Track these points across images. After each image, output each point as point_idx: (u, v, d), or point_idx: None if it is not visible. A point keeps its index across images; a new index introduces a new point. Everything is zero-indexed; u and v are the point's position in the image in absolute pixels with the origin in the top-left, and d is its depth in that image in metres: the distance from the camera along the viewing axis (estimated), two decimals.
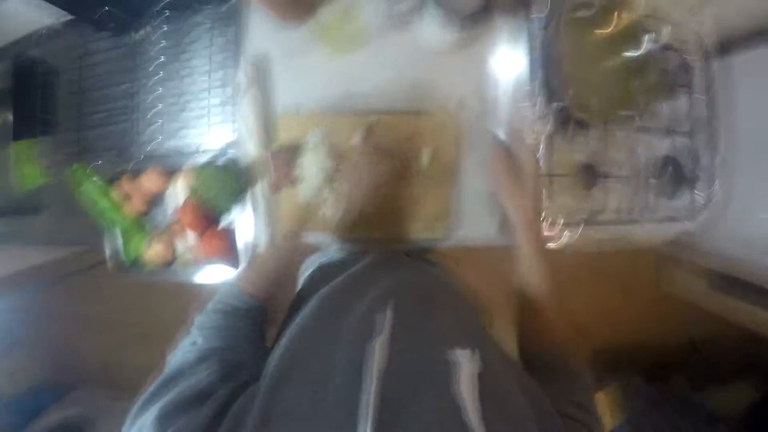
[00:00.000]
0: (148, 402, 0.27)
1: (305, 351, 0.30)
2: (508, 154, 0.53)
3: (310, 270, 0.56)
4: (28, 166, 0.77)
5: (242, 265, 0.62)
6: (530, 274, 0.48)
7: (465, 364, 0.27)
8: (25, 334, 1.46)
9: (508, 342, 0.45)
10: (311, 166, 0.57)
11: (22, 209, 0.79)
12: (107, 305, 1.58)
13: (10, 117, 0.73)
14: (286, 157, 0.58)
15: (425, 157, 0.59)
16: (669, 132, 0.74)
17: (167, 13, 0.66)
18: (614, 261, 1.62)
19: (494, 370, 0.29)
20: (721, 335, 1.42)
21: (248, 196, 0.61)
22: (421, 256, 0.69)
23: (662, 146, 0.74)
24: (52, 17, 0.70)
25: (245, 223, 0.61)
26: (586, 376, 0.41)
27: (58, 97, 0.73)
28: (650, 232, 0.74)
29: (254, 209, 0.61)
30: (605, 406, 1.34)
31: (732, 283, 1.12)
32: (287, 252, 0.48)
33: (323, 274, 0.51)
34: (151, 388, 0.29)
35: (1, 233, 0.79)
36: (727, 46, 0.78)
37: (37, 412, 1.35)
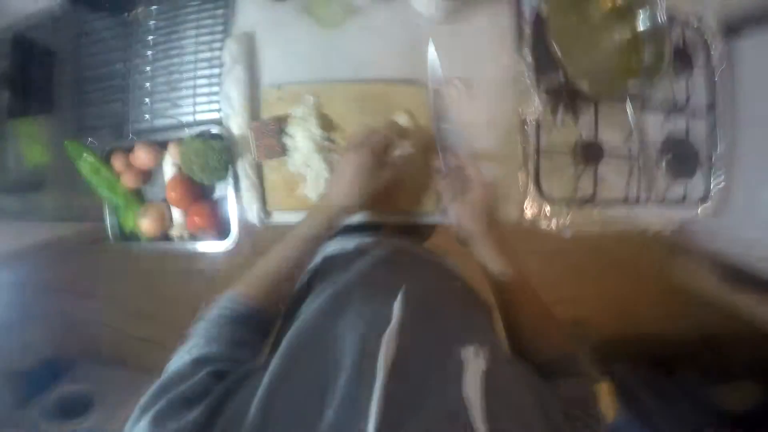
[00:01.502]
0: (144, 410, 0.27)
1: (310, 347, 0.29)
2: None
3: (314, 262, 0.55)
4: (29, 145, 0.79)
5: (233, 238, 0.62)
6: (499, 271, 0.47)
7: (471, 362, 0.27)
8: (36, 308, 1.52)
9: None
10: (299, 137, 0.57)
11: (25, 186, 0.81)
12: (113, 280, 1.62)
13: (7, 97, 0.75)
14: (273, 128, 0.58)
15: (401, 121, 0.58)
16: (682, 111, 0.70)
17: None
18: (623, 249, 1.58)
19: (500, 368, 0.28)
20: (732, 330, 1.37)
21: (234, 170, 0.61)
22: (423, 237, 0.67)
23: (674, 126, 0.70)
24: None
25: (233, 196, 0.62)
26: (581, 371, 0.41)
27: (55, 78, 0.74)
28: (656, 215, 0.71)
29: (241, 182, 0.61)
30: (610, 396, 1.32)
31: (744, 276, 1.07)
32: (291, 252, 0.46)
33: (328, 266, 0.50)
34: (147, 394, 0.29)
35: (7, 210, 0.82)
36: (733, 27, 0.73)
37: (49, 383, 1.41)
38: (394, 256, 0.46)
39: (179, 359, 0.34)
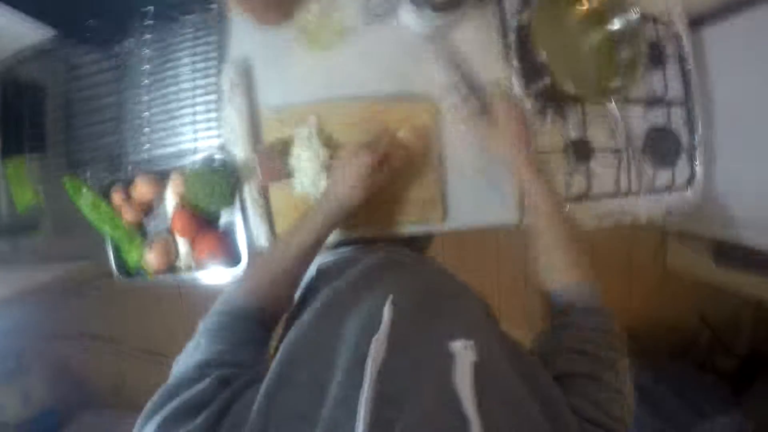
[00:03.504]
0: (150, 415, 0.27)
1: (307, 352, 0.30)
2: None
3: (309, 275, 0.56)
4: (21, 185, 0.77)
5: (244, 265, 0.62)
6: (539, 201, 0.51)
7: (460, 355, 0.28)
8: (34, 355, 1.47)
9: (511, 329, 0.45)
10: (304, 157, 0.58)
11: (20, 228, 0.79)
12: (113, 322, 1.58)
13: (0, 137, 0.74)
14: (276, 152, 0.59)
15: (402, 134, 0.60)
16: (661, 102, 0.74)
17: (151, 23, 0.67)
18: (616, 243, 1.60)
19: (492, 358, 0.29)
20: (731, 308, 1.41)
21: (239, 197, 0.61)
22: (419, 249, 0.69)
23: (655, 117, 0.74)
24: (37, 35, 0.71)
25: (241, 222, 0.62)
26: (595, 315, 0.42)
27: (46, 114, 0.74)
28: (647, 204, 0.74)
29: (247, 208, 0.61)
30: None
31: (736, 253, 1.11)
32: (287, 250, 0.47)
33: (322, 277, 0.51)
34: (154, 398, 0.29)
35: (2, 253, 0.79)
36: (698, 20, 0.79)
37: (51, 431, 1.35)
38: (385, 260, 0.47)
39: (185, 362, 0.34)
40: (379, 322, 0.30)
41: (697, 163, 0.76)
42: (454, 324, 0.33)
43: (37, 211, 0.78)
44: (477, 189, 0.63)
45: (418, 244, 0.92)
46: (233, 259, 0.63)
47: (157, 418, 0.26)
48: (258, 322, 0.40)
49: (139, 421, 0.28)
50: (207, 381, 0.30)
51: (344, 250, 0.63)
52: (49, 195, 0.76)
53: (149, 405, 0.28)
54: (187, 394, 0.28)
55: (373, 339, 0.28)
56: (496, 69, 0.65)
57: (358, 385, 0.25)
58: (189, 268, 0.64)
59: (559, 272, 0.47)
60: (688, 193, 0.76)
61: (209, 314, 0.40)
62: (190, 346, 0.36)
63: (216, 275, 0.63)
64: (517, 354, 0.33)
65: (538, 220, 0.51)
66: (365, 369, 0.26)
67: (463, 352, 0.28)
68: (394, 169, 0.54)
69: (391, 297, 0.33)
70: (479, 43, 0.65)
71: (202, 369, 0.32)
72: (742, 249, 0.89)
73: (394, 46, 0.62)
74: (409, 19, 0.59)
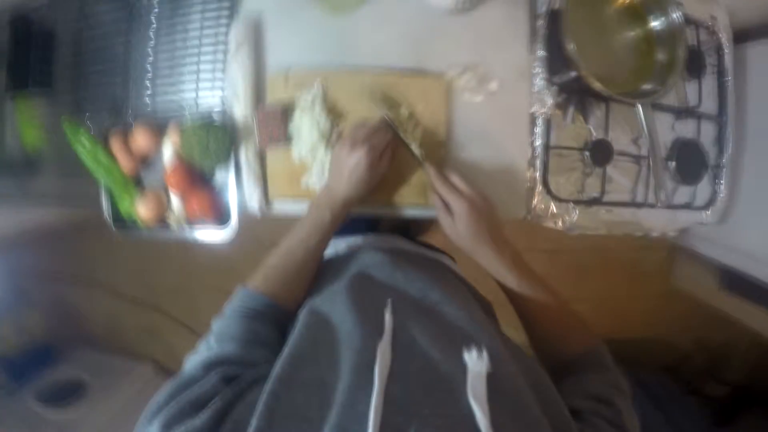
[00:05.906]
0: (154, 414, 0.27)
1: (312, 353, 0.30)
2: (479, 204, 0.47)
3: None
4: (27, 127, 0.77)
5: (233, 226, 0.61)
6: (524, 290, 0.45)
7: (474, 366, 0.27)
8: (32, 293, 1.52)
9: (512, 331, 0.43)
10: (305, 124, 0.56)
11: (26, 167, 0.79)
12: (110, 267, 1.62)
13: (5, 75, 0.73)
14: (277, 115, 0.56)
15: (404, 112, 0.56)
16: (692, 114, 0.69)
17: None
18: (624, 249, 1.58)
19: (503, 368, 0.29)
20: (726, 336, 1.38)
21: (235, 156, 0.59)
22: (422, 245, 0.67)
23: (684, 128, 0.70)
24: None
25: (234, 183, 0.60)
26: (606, 365, 0.40)
27: (54, 58, 0.72)
28: (661, 218, 0.70)
29: (243, 169, 0.59)
30: None
31: (745, 283, 1.07)
32: (297, 247, 0.47)
33: (321, 272, 0.50)
34: (158, 397, 0.29)
35: (3, 192, 0.79)
36: (744, 34, 0.73)
37: (43, 368, 1.42)
38: (386, 258, 0.46)
39: (195, 359, 0.34)
40: (382, 327, 0.30)
41: (722, 184, 0.72)
42: (463, 329, 0.32)
43: (44, 152, 0.78)
44: (482, 175, 0.60)
45: (420, 224, 0.89)
46: (223, 220, 0.61)
47: (161, 417, 0.26)
48: (271, 322, 0.40)
49: (142, 419, 0.27)
50: (210, 379, 0.29)
51: (341, 240, 0.62)
52: (53, 136, 0.76)
53: (153, 404, 0.28)
54: (189, 392, 0.28)
55: (378, 346, 0.28)
56: (519, 55, 0.61)
57: (366, 390, 0.24)
58: (180, 224, 0.63)
59: (560, 345, 0.44)
60: (706, 215, 0.72)
61: (222, 315, 0.40)
62: (202, 346, 0.36)
63: (206, 234, 0.62)
64: (522, 359, 0.32)
65: (521, 304, 0.46)
66: (374, 375, 0.25)
67: (477, 363, 0.27)
68: (392, 155, 0.53)
69: (390, 302, 0.33)
70: (506, 25, 0.60)
71: (208, 368, 0.32)
72: (749, 279, 0.85)
73: (415, 17, 0.58)
74: None
